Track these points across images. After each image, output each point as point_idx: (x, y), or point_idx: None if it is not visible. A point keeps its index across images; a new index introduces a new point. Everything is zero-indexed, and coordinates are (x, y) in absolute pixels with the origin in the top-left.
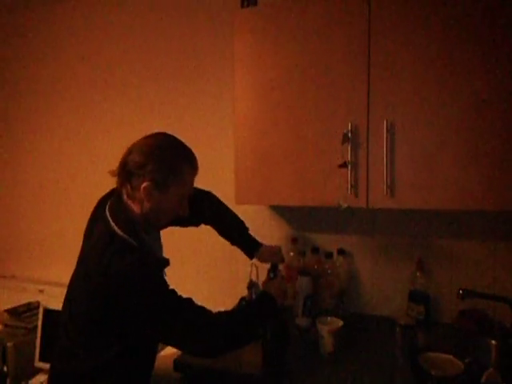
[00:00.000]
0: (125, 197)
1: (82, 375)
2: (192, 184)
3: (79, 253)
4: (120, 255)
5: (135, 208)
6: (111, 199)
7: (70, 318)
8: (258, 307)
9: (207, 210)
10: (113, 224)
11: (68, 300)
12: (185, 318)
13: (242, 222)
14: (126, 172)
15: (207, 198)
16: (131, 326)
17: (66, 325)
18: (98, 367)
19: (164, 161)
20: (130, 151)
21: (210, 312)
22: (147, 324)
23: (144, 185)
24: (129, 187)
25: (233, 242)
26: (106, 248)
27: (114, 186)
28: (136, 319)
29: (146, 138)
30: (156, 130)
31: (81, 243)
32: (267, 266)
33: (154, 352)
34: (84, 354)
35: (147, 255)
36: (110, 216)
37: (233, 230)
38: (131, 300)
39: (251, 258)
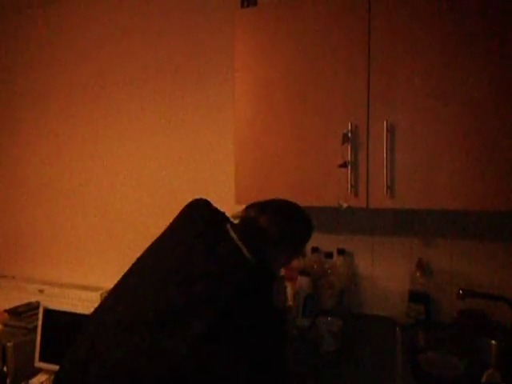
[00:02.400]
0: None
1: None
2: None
3: (158, 244)
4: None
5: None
6: (242, 226)
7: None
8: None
9: None
10: (248, 254)
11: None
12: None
13: None
14: (264, 243)
15: None
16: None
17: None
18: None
19: (298, 242)
20: (273, 219)
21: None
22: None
23: (282, 257)
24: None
25: None
26: (240, 277)
27: (113, 187)
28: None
29: (285, 213)
30: (157, 131)
31: (80, 243)
32: None
33: None
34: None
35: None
36: (246, 248)
37: None
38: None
39: None
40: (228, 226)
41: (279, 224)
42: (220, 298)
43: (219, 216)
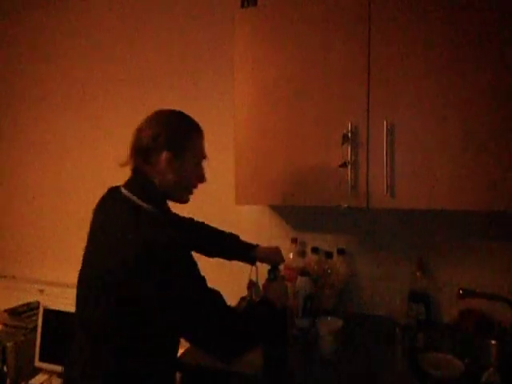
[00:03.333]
0: (145, 174)
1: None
2: (203, 149)
3: (87, 251)
4: (155, 229)
5: (157, 182)
6: (125, 184)
7: (90, 314)
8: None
9: (197, 239)
10: (139, 201)
11: (84, 298)
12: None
13: (231, 234)
14: (141, 150)
15: (191, 226)
16: (161, 301)
17: (87, 325)
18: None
19: (175, 129)
20: (139, 131)
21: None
22: (178, 296)
23: (163, 155)
24: (149, 166)
25: (231, 257)
26: (135, 225)
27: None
28: (169, 291)
29: (150, 115)
30: None
31: (81, 243)
32: (267, 266)
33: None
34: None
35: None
36: (136, 195)
37: (227, 246)
38: (169, 271)
39: (253, 263)
40: (121, 187)
41: (152, 126)
42: (130, 258)
43: (119, 187)
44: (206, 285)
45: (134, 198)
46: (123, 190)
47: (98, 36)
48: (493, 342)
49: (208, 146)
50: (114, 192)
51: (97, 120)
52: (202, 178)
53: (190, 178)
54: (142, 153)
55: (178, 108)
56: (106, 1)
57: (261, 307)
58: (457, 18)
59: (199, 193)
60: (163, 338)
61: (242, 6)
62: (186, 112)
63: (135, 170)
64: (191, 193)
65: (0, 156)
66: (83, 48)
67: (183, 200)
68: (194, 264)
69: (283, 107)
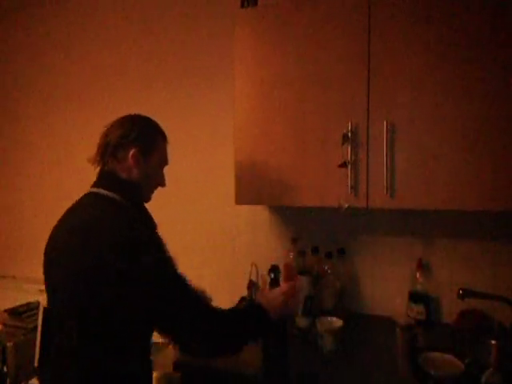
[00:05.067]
0: (113, 170)
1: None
2: (167, 154)
3: (55, 254)
4: (131, 222)
5: (125, 177)
6: (93, 184)
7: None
8: (246, 320)
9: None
10: (113, 194)
11: (68, 293)
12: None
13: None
14: (110, 148)
15: None
16: (138, 289)
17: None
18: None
19: (143, 129)
20: (107, 132)
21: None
22: (154, 285)
23: (132, 152)
24: (115, 162)
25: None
26: (111, 218)
27: None
28: (148, 278)
29: (117, 119)
30: None
31: None
32: (267, 266)
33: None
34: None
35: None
36: (106, 189)
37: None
38: (146, 262)
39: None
40: (90, 188)
41: (120, 127)
42: (108, 252)
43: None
44: (185, 283)
45: (105, 191)
46: (93, 189)
47: (98, 37)
48: (493, 341)
49: (208, 146)
50: (85, 195)
51: (97, 120)
52: (162, 183)
53: (151, 179)
54: (109, 150)
55: (178, 108)
56: (107, 2)
57: (248, 313)
58: (457, 17)
59: (199, 192)
60: (139, 338)
61: (242, 6)
62: (187, 112)
63: (102, 169)
64: (152, 193)
65: (0, 156)
66: (83, 48)
67: (146, 198)
68: (170, 258)
69: (283, 107)
